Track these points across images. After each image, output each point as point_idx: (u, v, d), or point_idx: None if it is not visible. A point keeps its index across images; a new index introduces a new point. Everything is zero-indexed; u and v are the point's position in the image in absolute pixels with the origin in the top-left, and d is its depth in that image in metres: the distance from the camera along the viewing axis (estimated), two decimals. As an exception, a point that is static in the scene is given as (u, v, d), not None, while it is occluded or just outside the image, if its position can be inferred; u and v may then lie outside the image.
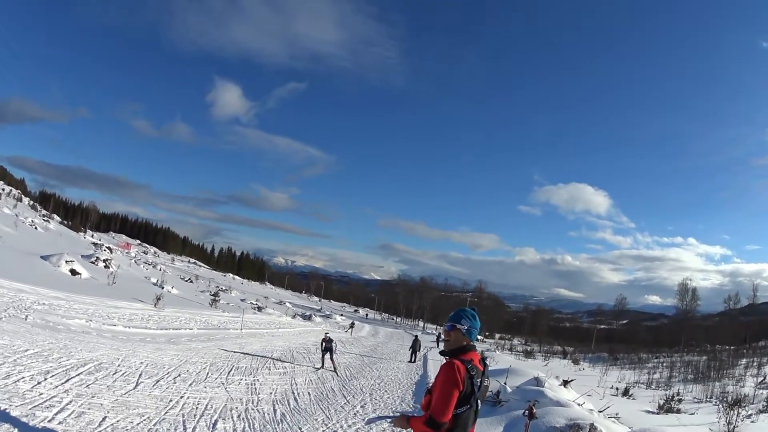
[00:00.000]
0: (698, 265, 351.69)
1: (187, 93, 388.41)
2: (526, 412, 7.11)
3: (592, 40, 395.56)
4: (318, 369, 17.65)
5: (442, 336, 3.97)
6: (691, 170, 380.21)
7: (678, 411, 23.85)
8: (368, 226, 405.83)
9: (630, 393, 30.84)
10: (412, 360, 28.36)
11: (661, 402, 25.13)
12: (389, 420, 3.93)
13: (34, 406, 6.53)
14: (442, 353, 3.79)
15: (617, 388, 31.87)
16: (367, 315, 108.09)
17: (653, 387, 38.47)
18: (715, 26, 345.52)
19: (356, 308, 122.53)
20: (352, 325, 51.65)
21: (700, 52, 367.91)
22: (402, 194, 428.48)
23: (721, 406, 22.20)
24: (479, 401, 3.53)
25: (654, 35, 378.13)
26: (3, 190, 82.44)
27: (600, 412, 14.57)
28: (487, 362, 3.84)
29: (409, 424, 3.63)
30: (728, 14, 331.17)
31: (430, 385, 3.70)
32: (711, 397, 30.89)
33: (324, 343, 18.70)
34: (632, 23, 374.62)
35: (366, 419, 5.78)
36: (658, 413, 23.26)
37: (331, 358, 18.26)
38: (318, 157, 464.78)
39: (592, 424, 9.31)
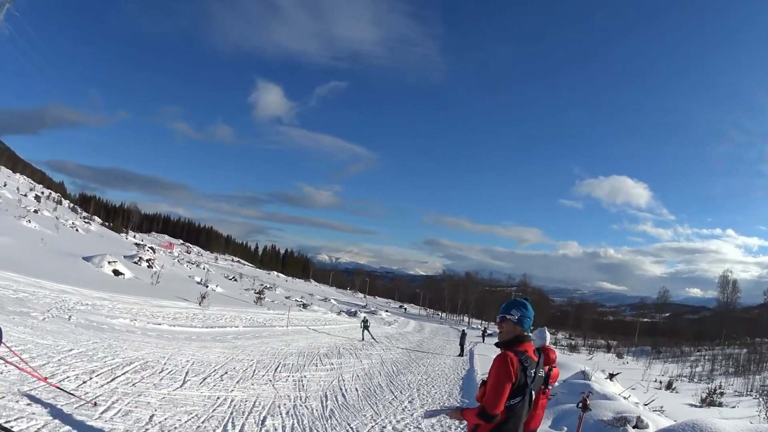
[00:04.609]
0: (737, 256, 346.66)
1: (228, 95, 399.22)
2: (581, 404, 6.94)
3: (631, 25, 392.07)
4: None
5: (496, 328, 3.99)
6: (729, 160, 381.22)
7: (720, 404, 25.14)
8: (413, 222, 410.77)
9: (673, 386, 32.41)
10: (461, 354, 29.36)
11: (704, 395, 26.46)
12: (446, 412, 3.92)
13: (80, 405, 6.63)
14: (497, 345, 3.82)
15: (660, 382, 33.49)
16: (405, 309, 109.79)
17: (695, 380, 40.54)
18: (755, 14, 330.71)
19: (401, 304, 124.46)
20: (366, 326, 31.50)
21: (736, 39, 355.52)
22: (445, 189, 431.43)
23: (761, 399, 23.71)
24: (533, 392, 3.59)
25: (694, 21, 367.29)
26: (42, 193, 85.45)
27: (645, 405, 14.74)
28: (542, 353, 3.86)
29: (463, 416, 3.77)
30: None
31: (486, 377, 3.76)
32: (751, 391, 32.99)
33: None
34: (671, 7, 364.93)
35: (425, 412, 5.77)
36: (700, 407, 24.37)
37: None
38: (361, 155, 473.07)
39: (638, 417, 9.41)
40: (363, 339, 29.34)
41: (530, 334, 3.85)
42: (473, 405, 3.68)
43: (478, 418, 3.52)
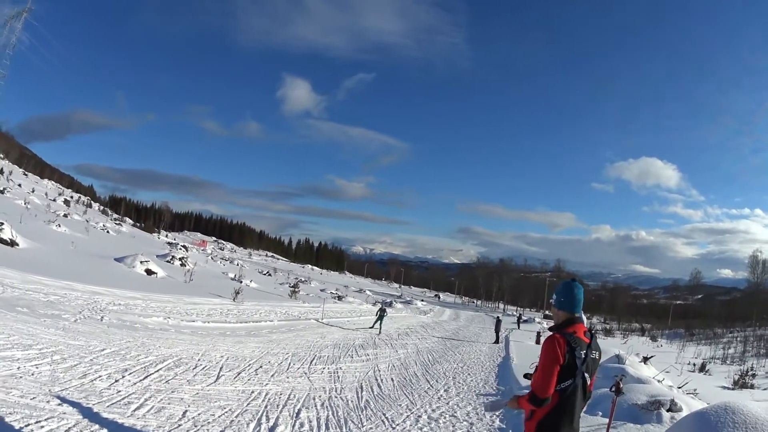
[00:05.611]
0: (767, 236, 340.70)
1: (255, 91, 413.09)
2: (613, 387, 6.81)
3: (655, 12, 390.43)
4: None
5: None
6: (755, 139, 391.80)
7: (752, 386, 25.71)
8: (446, 211, 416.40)
9: (706, 369, 33.43)
10: (497, 341, 29.99)
11: (736, 377, 27.06)
12: (506, 402, 3.94)
13: (112, 404, 6.67)
14: (550, 329, 3.81)
15: (694, 364, 34.29)
16: (439, 298, 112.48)
17: (728, 362, 41.43)
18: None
19: (436, 293, 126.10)
20: (381, 314, 27.46)
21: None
22: (478, 177, 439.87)
23: (792, 380, 23.87)
24: (585, 374, 3.54)
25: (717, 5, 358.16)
26: (72, 197, 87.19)
27: (679, 388, 14.72)
28: (595, 334, 3.83)
29: (519, 404, 3.73)
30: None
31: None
32: (782, 372, 33.27)
33: None
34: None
35: (485, 405, 5.73)
36: (733, 389, 24.99)
37: None
38: (393, 145, 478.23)
39: (672, 400, 9.46)
40: (372, 327, 26.49)
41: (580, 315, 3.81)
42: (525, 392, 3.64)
43: (529, 403, 3.50)
